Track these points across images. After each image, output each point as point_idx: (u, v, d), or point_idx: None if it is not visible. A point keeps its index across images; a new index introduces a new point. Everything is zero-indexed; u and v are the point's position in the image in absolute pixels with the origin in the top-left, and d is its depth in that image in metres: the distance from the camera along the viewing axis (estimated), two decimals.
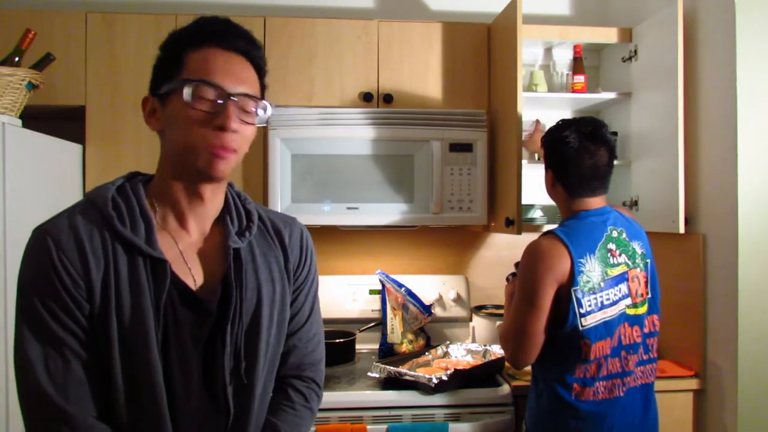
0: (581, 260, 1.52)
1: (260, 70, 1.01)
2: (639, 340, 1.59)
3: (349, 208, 2.13)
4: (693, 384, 1.98)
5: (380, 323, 2.29)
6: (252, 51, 0.99)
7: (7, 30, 1.97)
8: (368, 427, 1.78)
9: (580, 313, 1.51)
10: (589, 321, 1.51)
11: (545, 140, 1.67)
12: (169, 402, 0.92)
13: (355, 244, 2.55)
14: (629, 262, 1.59)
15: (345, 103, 2.22)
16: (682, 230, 1.97)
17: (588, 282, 1.52)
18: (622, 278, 1.57)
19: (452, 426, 1.81)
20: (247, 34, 1.00)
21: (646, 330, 1.62)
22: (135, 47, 2.15)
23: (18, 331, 0.88)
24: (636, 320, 1.59)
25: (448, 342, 2.26)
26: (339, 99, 2.23)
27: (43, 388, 0.86)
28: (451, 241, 2.57)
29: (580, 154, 1.58)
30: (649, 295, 1.63)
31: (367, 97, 2.22)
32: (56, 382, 0.87)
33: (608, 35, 2.29)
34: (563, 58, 2.45)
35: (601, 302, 1.53)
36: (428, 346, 2.30)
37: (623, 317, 1.57)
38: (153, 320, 0.90)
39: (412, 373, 1.88)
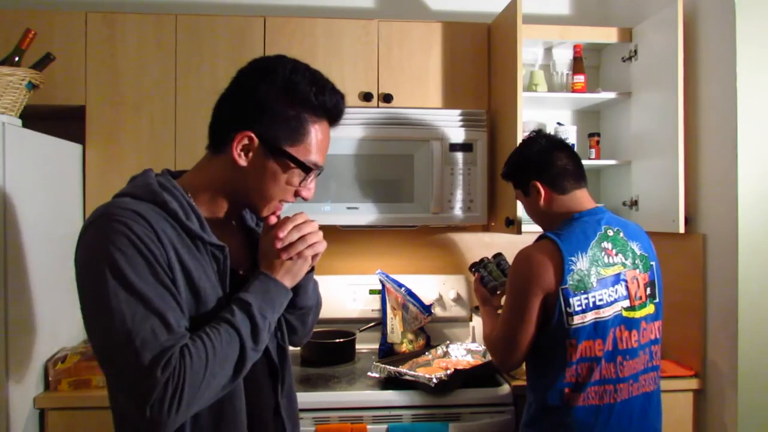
0: (572, 258, 1.49)
1: None
2: (636, 345, 1.54)
3: (349, 208, 2.13)
4: (693, 384, 1.98)
5: (380, 323, 2.29)
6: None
7: (7, 30, 1.97)
8: (368, 426, 1.78)
9: (567, 312, 1.48)
10: (577, 321, 1.48)
11: (514, 172, 1.72)
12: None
13: (355, 244, 2.55)
14: (626, 262, 1.56)
15: (345, 102, 2.22)
16: (682, 230, 1.97)
17: (579, 281, 1.49)
18: (617, 279, 1.53)
19: (452, 426, 1.81)
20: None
21: (653, 336, 1.58)
22: (135, 47, 2.15)
23: (110, 315, 0.90)
24: (633, 324, 1.54)
25: (448, 342, 2.26)
26: None
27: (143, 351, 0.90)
28: (451, 241, 2.57)
29: (553, 152, 1.65)
30: (657, 300, 1.60)
31: (367, 97, 2.22)
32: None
33: (608, 35, 2.29)
34: (563, 58, 2.45)
35: (593, 302, 1.49)
36: (428, 346, 2.30)
37: (618, 320, 1.52)
38: (221, 301, 1.03)
39: (412, 373, 1.88)
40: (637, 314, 1.55)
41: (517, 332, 1.52)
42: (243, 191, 1.08)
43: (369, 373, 1.96)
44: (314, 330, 2.23)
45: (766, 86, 1.84)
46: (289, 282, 1.07)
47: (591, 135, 2.42)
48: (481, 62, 2.30)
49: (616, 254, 1.56)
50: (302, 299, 1.18)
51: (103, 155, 2.13)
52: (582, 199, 1.64)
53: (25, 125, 1.80)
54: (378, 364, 1.96)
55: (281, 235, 1.05)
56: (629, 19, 2.39)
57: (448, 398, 1.84)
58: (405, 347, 2.25)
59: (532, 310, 1.50)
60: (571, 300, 1.48)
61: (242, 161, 1.03)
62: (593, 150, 2.40)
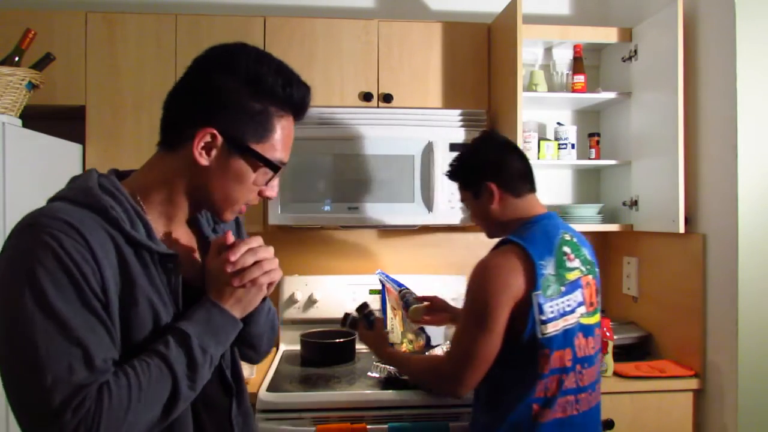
0: (542, 262, 1.42)
1: None
2: (592, 352, 1.49)
3: (349, 208, 2.13)
4: (693, 384, 1.98)
5: None
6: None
7: (7, 30, 1.97)
8: (368, 426, 1.77)
9: (540, 320, 1.39)
10: (550, 329, 1.40)
11: (465, 172, 1.65)
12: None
13: (355, 244, 2.55)
14: (582, 268, 1.51)
15: (345, 103, 2.22)
16: (682, 230, 1.97)
17: (549, 286, 1.41)
18: (577, 285, 1.48)
19: (452, 425, 1.80)
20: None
21: (600, 344, 1.56)
22: (135, 47, 2.15)
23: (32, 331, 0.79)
24: (589, 331, 1.50)
25: (448, 342, 2.26)
26: (339, 99, 2.22)
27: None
28: (451, 241, 2.57)
29: (507, 154, 1.61)
30: (599, 306, 1.57)
31: (367, 97, 2.22)
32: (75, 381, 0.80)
33: (608, 35, 2.29)
34: (563, 57, 2.45)
35: (563, 309, 1.43)
36: (428, 346, 2.30)
37: (578, 327, 1.46)
38: (171, 314, 0.93)
39: None
40: (591, 321, 1.51)
41: (484, 347, 1.42)
42: (204, 191, 0.97)
43: (369, 373, 1.96)
44: (314, 330, 2.25)
45: (766, 86, 1.84)
46: (239, 312, 0.95)
47: (591, 135, 2.43)
48: (481, 62, 2.30)
49: (574, 259, 1.51)
50: (252, 329, 1.06)
51: (103, 155, 2.13)
52: (534, 203, 1.60)
53: (25, 125, 1.80)
54: (378, 364, 1.96)
55: (233, 258, 0.92)
56: (629, 19, 2.39)
57: (447, 398, 1.84)
58: (405, 347, 2.24)
59: (499, 321, 1.41)
60: (544, 307, 1.40)
61: (204, 161, 0.93)
62: (593, 150, 2.40)
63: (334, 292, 2.41)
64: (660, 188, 2.08)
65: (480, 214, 1.64)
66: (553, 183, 2.63)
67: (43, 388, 0.77)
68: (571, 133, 2.36)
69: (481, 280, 1.45)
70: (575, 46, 2.33)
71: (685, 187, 1.98)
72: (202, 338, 0.90)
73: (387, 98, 2.23)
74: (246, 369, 1.99)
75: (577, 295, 1.48)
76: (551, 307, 1.41)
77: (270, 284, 0.98)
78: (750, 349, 1.83)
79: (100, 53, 2.14)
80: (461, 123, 2.17)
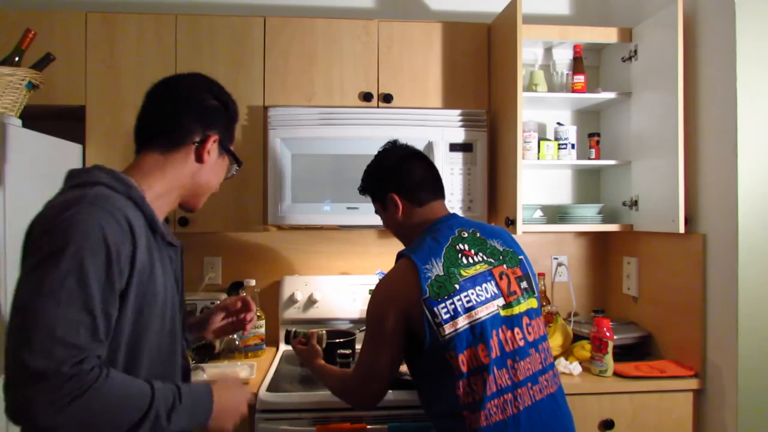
0: (426, 266, 1.42)
1: None
2: (523, 343, 1.43)
3: (349, 208, 2.13)
4: (693, 384, 1.98)
5: None
6: None
7: (7, 30, 1.97)
8: (368, 426, 1.77)
9: (435, 322, 1.38)
10: (449, 330, 1.38)
11: (371, 185, 1.69)
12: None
13: (355, 244, 2.55)
14: (490, 260, 1.49)
15: (345, 102, 2.22)
16: (682, 230, 1.97)
17: (440, 287, 1.41)
18: (485, 278, 1.45)
19: None
20: None
21: (541, 332, 1.49)
22: (135, 47, 2.15)
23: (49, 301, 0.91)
24: (515, 322, 1.44)
25: None
26: (339, 99, 2.23)
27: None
28: None
29: (409, 163, 1.64)
30: (536, 294, 1.53)
31: (367, 97, 2.22)
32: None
33: (608, 35, 2.29)
34: (563, 58, 2.45)
35: (462, 305, 1.40)
36: None
37: (498, 320, 1.41)
38: (175, 295, 1.18)
39: None
40: (516, 310, 1.45)
41: (377, 360, 1.46)
42: (196, 184, 1.23)
43: None
44: (314, 330, 2.24)
45: (766, 86, 1.84)
46: (206, 418, 1.09)
47: (591, 135, 2.43)
48: (481, 62, 2.30)
49: (476, 254, 1.49)
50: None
51: (103, 155, 2.13)
52: (438, 210, 1.61)
53: (25, 125, 1.79)
54: None
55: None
56: (629, 19, 2.40)
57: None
58: None
59: (390, 334, 1.43)
60: (436, 309, 1.39)
61: (206, 159, 1.21)
62: (593, 150, 2.40)
63: (334, 292, 2.41)
64: (660, 188, 2.08)
65: (390, 225, 1.68)
66: (553, 183, 2.63)
67: (53, 338, 0.88)
68: (571, 133, 2.36)
69: (371, 298, 1.52)
70: (575, 46, 2.33)
71: (685, 187, 1.98)
72: (184, 404, 1.03)
73: (387, 98, 2.23)
74: (246, 369, 1.99)
75: (488, 288, 1.44)
76: (444, 307, 1.40)
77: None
78: (750, 349, 1.83)
79: (100, 53, 2.14)
80: (461, 123, 2.17)
